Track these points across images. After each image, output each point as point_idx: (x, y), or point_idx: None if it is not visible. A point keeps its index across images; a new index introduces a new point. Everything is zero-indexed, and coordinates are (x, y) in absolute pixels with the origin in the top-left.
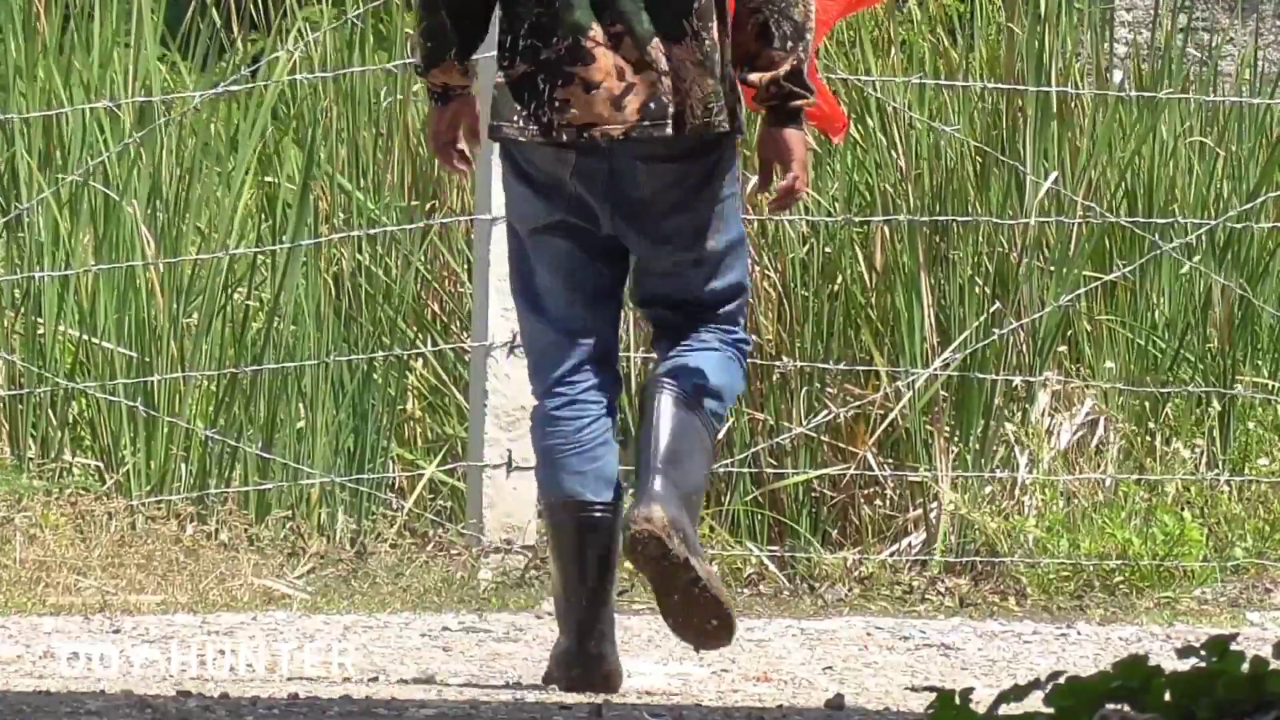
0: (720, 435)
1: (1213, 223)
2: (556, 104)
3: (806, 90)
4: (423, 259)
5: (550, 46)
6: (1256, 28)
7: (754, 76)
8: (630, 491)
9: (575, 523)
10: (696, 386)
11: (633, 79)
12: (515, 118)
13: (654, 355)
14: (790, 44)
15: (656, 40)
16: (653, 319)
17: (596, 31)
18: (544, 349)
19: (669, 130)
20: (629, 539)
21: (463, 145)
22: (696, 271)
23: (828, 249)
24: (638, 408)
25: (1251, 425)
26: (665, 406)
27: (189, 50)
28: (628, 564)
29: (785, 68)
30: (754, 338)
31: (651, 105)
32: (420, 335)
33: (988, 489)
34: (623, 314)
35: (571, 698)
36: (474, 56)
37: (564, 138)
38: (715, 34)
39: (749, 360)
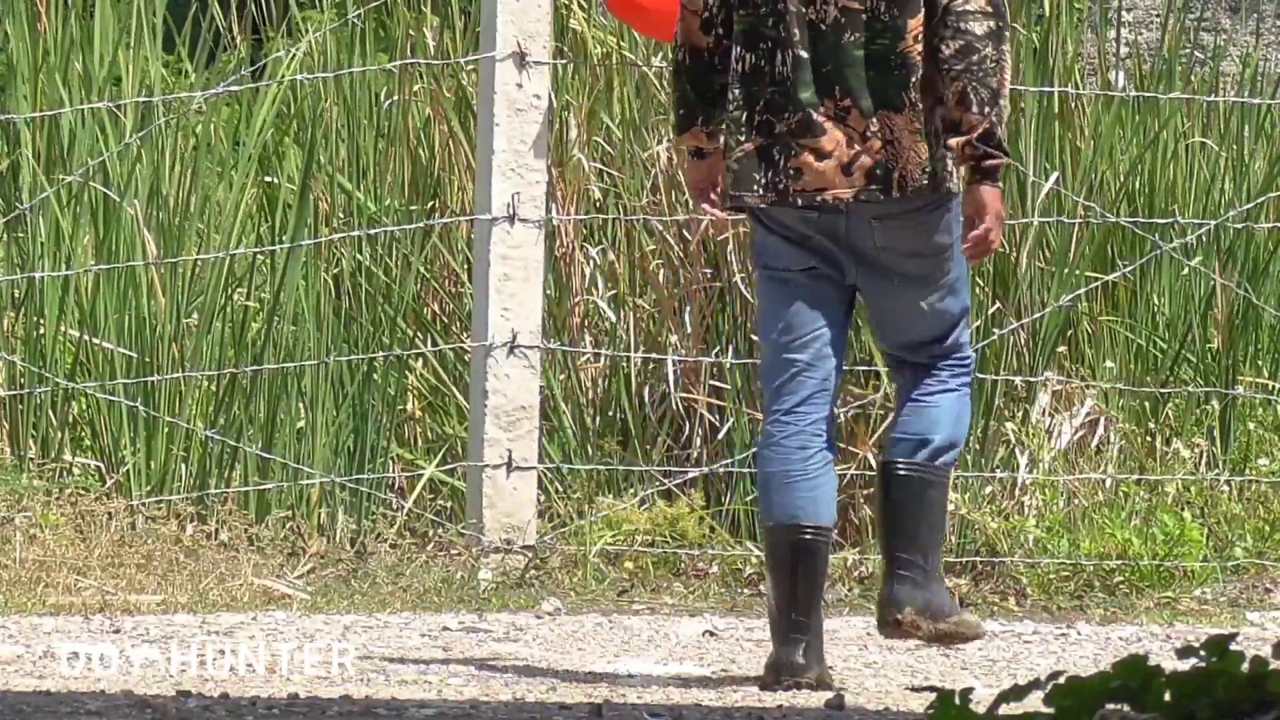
0: (953, 468)
1: (1213, 223)
2: (791, 172)
3: (1001, 151)
4: (423, 259)
5: (783, 121)
6: (1258, 28)
7: (953, 140)
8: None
9: (791, 545)
10: (934, 451)
11: (859, 147)
12: (755, 187)
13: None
14: (986, 108)
15: (880, 112)
16: (892, 360)
17: (828, 106)
18: (781, 382)
19: (894, 193)
20: (882, 621)
21: (716, 195)
22: (929, 310)
23: None
24: (879, 484)
25: (1252, 425)
26: (908, 493)
27: (190, 50)
28: (627, 564)
29: (979, 130)
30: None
31: (877, 171)
32: (420, 335)
33: (988, 489)
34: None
35: (571, 697)
36: (720, 123)
37: (799, 202)
38: (930, 105)
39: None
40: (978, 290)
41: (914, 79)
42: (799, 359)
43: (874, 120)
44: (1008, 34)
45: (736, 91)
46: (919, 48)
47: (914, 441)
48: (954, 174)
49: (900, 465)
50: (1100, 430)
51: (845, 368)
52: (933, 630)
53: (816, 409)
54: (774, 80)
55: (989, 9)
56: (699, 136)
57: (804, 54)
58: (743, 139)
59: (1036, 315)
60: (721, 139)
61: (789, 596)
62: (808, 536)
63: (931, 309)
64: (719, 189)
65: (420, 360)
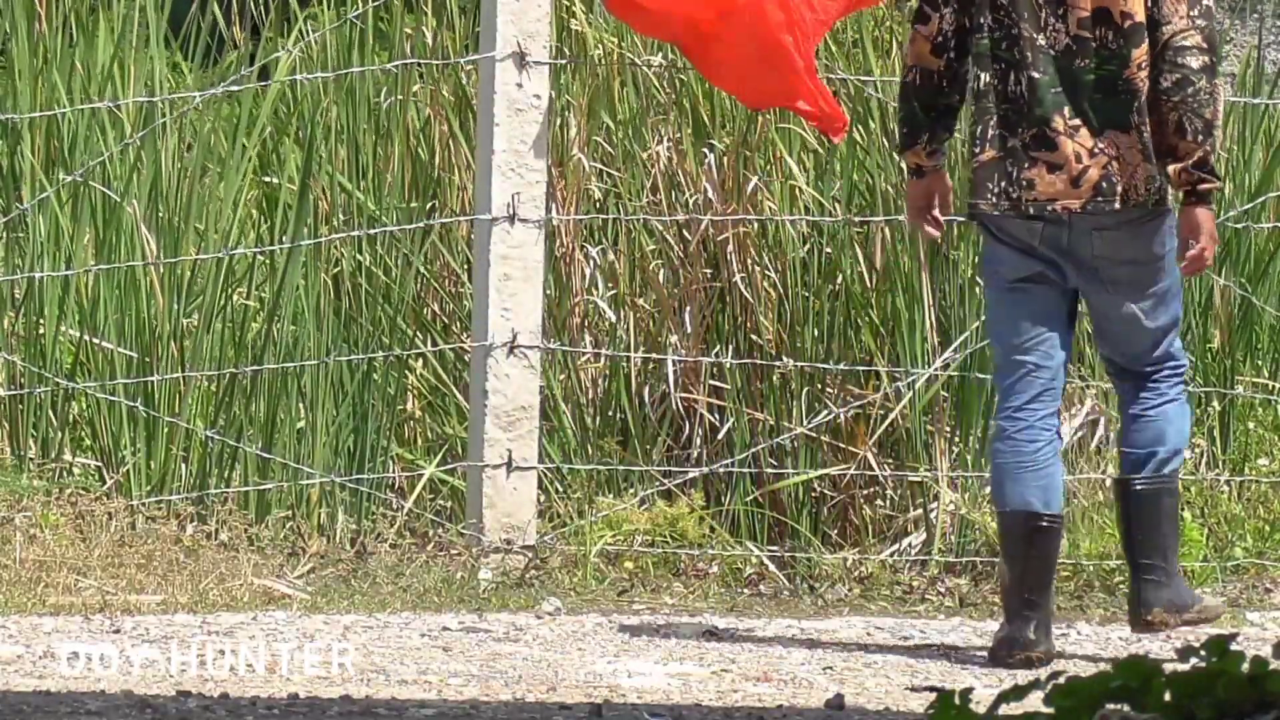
0: (1178, 469)
1: None
2: (1024, 183)
3: (1215, 176)
4: (423, 259)
5: (1016, 136)
6: (1260, 28)
7: (1171, 167)
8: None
9: (1025, 530)
10: (1161, 462)
11: (1088, 162)
12: (989, 195)
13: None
14: (1200, 137)
15: (1108, 132)
16: (1113, 368)
17: (1059, 123)
18: (1011, 381)
19: (1116, 205)
20: (1134, 621)
21: (936, 213)
22: (1142, 316)
23: (828, 249)
24: (1117, 499)
25: (1251, 425)
26: (1145, 506)
27: (191, 50)
28: (627, 564)
29: (1195, 158)
30: (757, 338)
31: (1104, 184)
32: (420, 335)
33: (988, 489)
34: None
35: (571, 697)
36: (942, 143)
37: (1031, 211)
38: (1151, 127)
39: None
40: (977, 290)
41: (1137, 103)
42: (1028, 360)
43: (1102, 138)
44: (1220, 67)
45: (972, 107)
46: (1143, 74)
47: (1144, 455)
48: (1169, 191)
49: (1137, 481)
50: (1100, 430)
51: (845, 368)
52: (1179, 622)
53: (1045, 405)
54: (1007, 98)
55: (1205, 45)
56: (919, 154)
57: (1037, 75)
58: (978, 151)
59: None
60: (939, 159)
61: (1021, 577)
62: (1044, 523)
63: (1145, 317)
64: (935, 208)
65: (420, 360)
